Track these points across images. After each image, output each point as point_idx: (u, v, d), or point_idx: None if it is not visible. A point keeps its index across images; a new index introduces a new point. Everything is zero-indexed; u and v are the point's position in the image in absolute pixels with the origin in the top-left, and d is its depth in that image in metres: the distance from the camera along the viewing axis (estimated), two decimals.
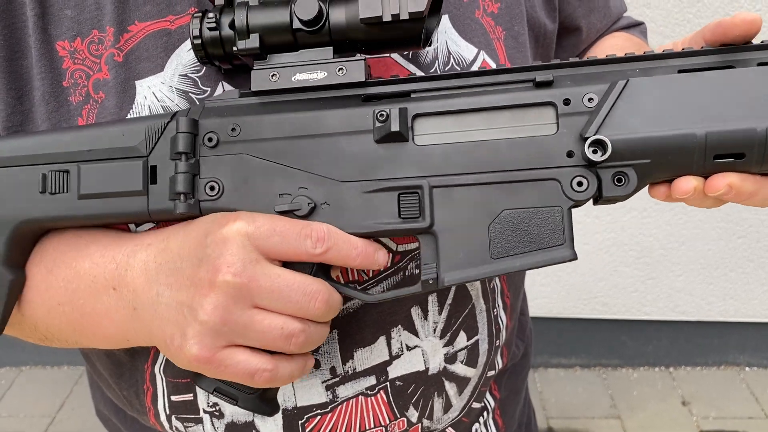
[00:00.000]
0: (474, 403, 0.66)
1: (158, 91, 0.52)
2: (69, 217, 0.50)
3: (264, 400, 0.50)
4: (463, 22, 0.58)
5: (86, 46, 0.52)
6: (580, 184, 0.44)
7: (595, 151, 0.42)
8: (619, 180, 0.44)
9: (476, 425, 0.68)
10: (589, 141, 0.42)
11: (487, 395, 0.69)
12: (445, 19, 0.57)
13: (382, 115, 0.44)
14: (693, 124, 0.42)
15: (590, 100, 0.43)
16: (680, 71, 0.43)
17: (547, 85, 0.44)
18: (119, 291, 0.48)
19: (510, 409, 0.74)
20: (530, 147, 0.44)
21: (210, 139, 0.47)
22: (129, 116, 0.51)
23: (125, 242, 0.50)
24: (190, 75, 0.52)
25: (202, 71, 0.52)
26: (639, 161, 0.43)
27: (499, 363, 0.68)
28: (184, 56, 0.51)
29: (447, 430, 0.65)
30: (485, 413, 0.69)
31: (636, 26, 0.79)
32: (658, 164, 0.43)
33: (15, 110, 0.53)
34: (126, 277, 0.48)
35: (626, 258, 1.92)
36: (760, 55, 0.43)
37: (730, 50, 0.44)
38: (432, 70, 0.56)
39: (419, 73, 0.55)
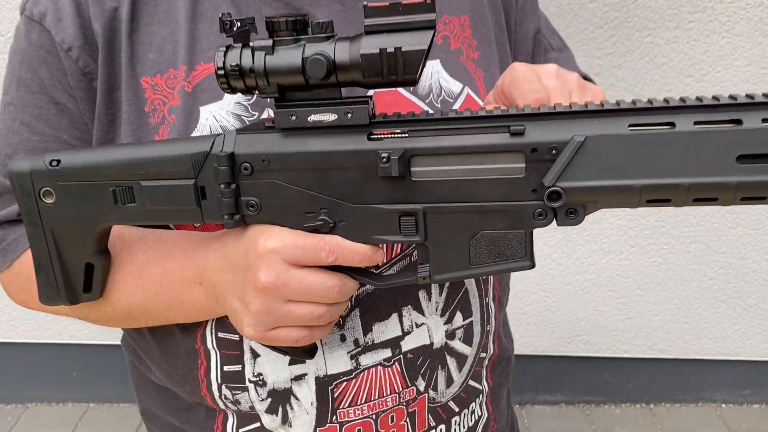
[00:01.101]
0: (471, 381, 0.78)
1: (217, 115, 0.66)
2: (140, 221, 0.63)
3: (306, 351, 0.65)
4: (451, 65, 0.72)
5: (164, 80, 0.66)
6: (540, 215, 0.55)
7: (551, 198, 0.53)
8: (571, 213, 0.55)
9: (473, 404, 0.80)
10: (547, 190, 0.53)
11: (483, 379, 0.81)
12: (437, 63, 0.71)
13: (384, 159, 0.54)
14: (634, 177, 0.52)
15: (553, 151, 0.53)
16: (630, 126, 0.52)
17: (519, 134, 0.54)
18: (203, 285, 0.63)
19: (499, 401, 0.87)
20: (503, 185, 0.55)
21: (246, 168, 0.58)
22: (194, 134, 0.64)
23: (199, 248, 0.64)
24: (243, 102, 0.66)
25: (252, 99, 0.66)
26: (588, 201, 0.54)
27: (491, 349, 0.81)
28: (234, 95, 0.65)
29: (449, 403, 0.77)
30: (481, 395, 0.81)
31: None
32: (604, 203, 0.55)
33: (108, 129, 0.67)
34: (205, 275, 0.63)
35: (606, 298, 2.05)
36: (698, 117, 0.51)
37: (672, 109, 0.52)
38: (428, 101, 0.70)
39: (417, 101, 0.69)
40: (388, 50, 0.51)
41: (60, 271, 0.63)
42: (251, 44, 0.54)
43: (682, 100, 0.52)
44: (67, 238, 0.62)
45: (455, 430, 0.78)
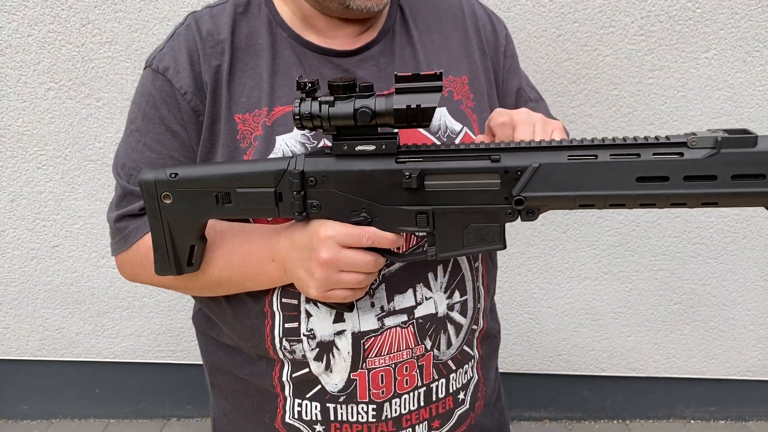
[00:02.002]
0: (465, 347, 1.02)
1: (288, 142, 0.91)
2: (233, 216, 0.87)
3: (348, 307, 0.90)
4: (454, 111, 0.98)
5: (251, 117, 0.91)
6: (509, 214, 0.80)
7: (517, 203, 0.78)
8: (530, 213, 0.79)
9: (466, 366, 1.03)
10: (513, 199, 0.78)
11: (474, 347, 1.04)
12: (444, 110, 0.97)
13: (407, 176, 0.79)
14: (571, 190, 0.77)
15: (518, 172, 0.78)
16: (569, 157, 0.77)
17: (497, 160, 0.79)
18: (275, 262, 0.87)
19: (487, 371, 1.10)
20: (485, 193, 0.80)
21: (311, 181, 0.83)
22: (271, 155, 0.89)
23: (272, 235, 0.89)
24: (307, 134, 0.91)
25: (313, 133, 0.91)
26: (541, 205, 0.79)
27: (481, 323, 1.05)
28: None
29: (448, 361, 1.00)
30: (472, 360, 1.04)
31: None
32: (551, 207, 0.79)
33: (210, 151, 0.92)
34: (276, 255, 0.87)
35: (583, 320, 2.27)
36: (613, 151, 0.76)
37: (596, 146, 0.77)
38: (437, 135, 0.95)
39: (430, 136, 0.94)
40: (411, 106, 0.76)
41: (171, 251, 0.88)
42: (319, 98, 0.79)
43: (603, 140, 0.78)
44: (178, 227, 0.87)
45: (452, 384, 1.01)
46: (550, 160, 0.77)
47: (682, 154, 0.74)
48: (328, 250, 0.81)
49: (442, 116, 0.96)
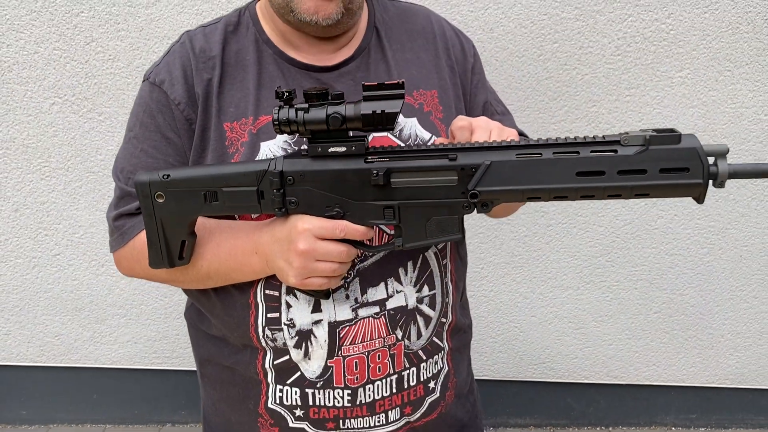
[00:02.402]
0: (434, 338, 1.10)
1: (272, 148, 1.00)
2: (220, 213, 0.96)
3: (324, 294, 0.98)
4: (424, 122, 1.07)
5: (239, 125, 1.01)
6: (466, 207, 0.89)
7: (472, 197, 0.87)
8: (484, 206, 0.89)
9: (437, 356, 1.12)
10: (469, 193, 0.87)
11: (444, 339, 1.12)
12: (414, 120, 1.06)
13: (375, 173, 0.89)
14: (519, 185, 0.86)
15: (473, 169, 0.87)
16: (517, 155, 0.87)
17: (454, 159, 0.88)
18: (258, 254, 0.96)
19: (458, 363, 1.18)
20: (444, 189, 0.89)
21: (290, 180, 0.92)
22: (256, 159, 0.98)
23: (255, 231, 0.97)
24: (288, 140, 1.00)
25: (294, 139, 1.00)
26: (494, 198, 0.88)
27: (450, 316, 1.13)
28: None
29: (419, 351, 1.08)
30: (442, 351, 1.13)
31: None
32: (503, 200, 0.88)
33: (200, 156, 1.01)
34: (259, 248, 0.96)
35: (566, 329, 2.35)
36: (555, 150, 0.86)
37: (541, 145, 0.86)
38: (407, 143, 1.04)
39: (400, 143, 1.03)
40: (377, 111, 0.85)
41: (164, 246, 0.96)
42: (295, 106, 0.88)
43: (548, 139, 0.87)
44: (170, 224, 0.95)
45: (423, 373, 1.09)
46: (500, 158, 0.87)
47: (616, 151, 0.84)
48: (305, 241, 0.91)
49: (412, 126, 1.05)
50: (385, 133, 1.03)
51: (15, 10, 2.00)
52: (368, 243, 0.99)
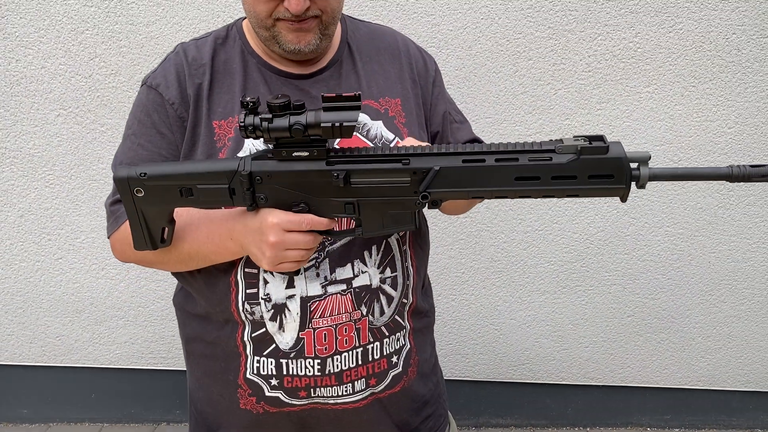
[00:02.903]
0: (396, 317, 1.22)
1: (255, 143, 1.12)
2: (195, 206, 1.07)
3: (295, 273, 1.10)
4: (388, 125, 1.19)
5: (226, 123, 1.13)
6: (417, 204, 1.01)
7: (423, 197, 0.99)
8: (434, 204, 1.01)
9: (398, 334, 1.23)
10: (420, 194, 1.00)
11: (405, 319, 1.25)
12: (380, 123, 1.18)
13: (335, 175, 1.00)
14: (465, 187, 0.98)
15: (424, 172, 0.99)
16: (463, 161, 0.98)
17: (407, 163, 1.00)
18: (233, 240, 1.08)
19: (420, 343, 1.30)
20: (399, 188, 1.01)
21: (258, 179, 1.03)
22: (240, 153, 1.10)
23: (229, 219, 1.09)
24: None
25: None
26: (442, 198, 1.00)
27: (410, 298, 1.25)
28: None
29: (382, 327, 1.20)
30: (404, 330, 1.25)
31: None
32: (450, 198, 1.01)
33: (191, 150, 1.14)
34: (233, 235, 1.08)
35: (544, 331, 2.46)
36: (497, 156, 0.97)
37: (485, 153, 0.98)
38: (374, 142, 1.16)
39: (368, 142, 1.16)
40: (335, 124, 0.95)
41: (147, 231, 1.08)
42: (260, 115, 0.98)
43: (491, 146, 0.99)
44: (150, 214, 1.07)
45: (386, 348, 1.22)
46: (448, 164, 0.99)
47: (551, 159, 0.95)
48: (275, 234, 1.03)
49: (378, 127, 1.18)
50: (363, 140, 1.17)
51: (24, 28, 2.13)
52: (333, 230, 1.11)
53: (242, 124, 0.97)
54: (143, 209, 1.06)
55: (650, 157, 0.96)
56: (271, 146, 1.02)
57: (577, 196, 0.97)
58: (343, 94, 0.95)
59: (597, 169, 0.94)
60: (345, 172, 1.00)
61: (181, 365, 2.53)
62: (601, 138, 0.96)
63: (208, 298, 1.20)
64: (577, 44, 2.10)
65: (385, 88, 1.22)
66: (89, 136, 2.25)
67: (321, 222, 1.04)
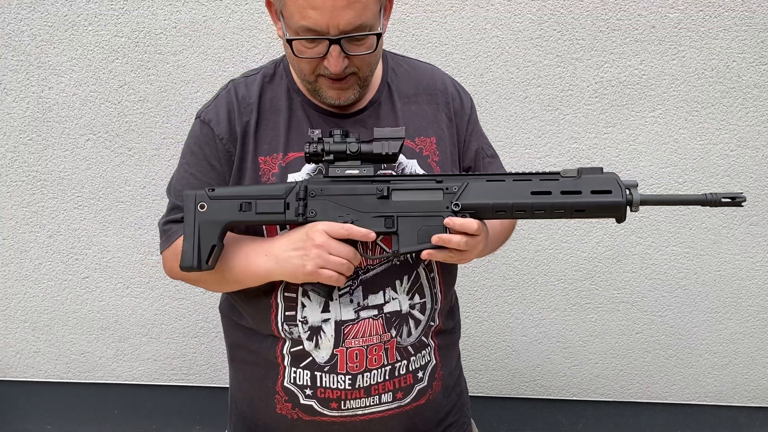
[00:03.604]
0: (422, 337, 1.30)
1: (297, 179, 1.21)
2: (250, 221, 1.18)
3: (329, 291, 1.18)
4: (421, 163, 1.28)
5: (271, 159, 1.23)
6: (448, 213, 1.13)
7: (455, 209, 1.12)
8: (464, 216, 1.13)
9: (424, 351, 1.32)
10: (452, 205, 1.12)
11: (430, 337, 1.33)
12: (414, 162, 1.27)
13: (380, 190, 1.14)
14: (490, 200, 1.12)
15: (455, 189, 1.14)
16: (487, 180, 1.15)
17: (440, 182, 1.15)
18: (268, 255, 1.17)
19: (446, 357, 1.38)
20: (433, 203, 1.14)
21: (311, 193, 1.16)
22: None
23: (270, 240, 1.19)
24: (310, 173, 1.23)
25: (315, 172, 1.22)
26: (471, 211, 1.13)
27: (437, 321, 1.33)
28: (308, 167, 1.22)
29: (408, 347, 1.28)
30: (429, 347, 1.33)
31: None
32: (478, 214, 1.13)
33: (238, 183, 1.24)
34: (271, 251, 1.17)
35: (555, 348, 2.53)
36: (515, 177, 1.14)
37: (506, 174, 1.15)
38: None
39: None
40: (383, 152, 1.13)
41: (197, 247, 1.17)
42: (323, 139, 1.14)
43: (509, 172, 1.15)
44: (205, 229, 1.17)
45: (412, 364, 1.30)
46: (475, 181, 1.15)
47: (558, 178, 1.13)
48: (321, 237, 1.13)
49: (413, 166, 1.28)
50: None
51: (57, 57, 2.25)
52: (371, 252, 1.22)
53: (308, 151, 1.15)
54: (201, 224, 1.16)
55: (638, 184, 1.14)
56: (322, 173, 1.18)
57: (583, 211, 1.12)
58: (390, 128, 1.14)
59: (597, 185, 1.12)
60: (387, 187, 1.15)
61: (201, 381, 2.61)
62: (600, 168, 1.15)
63: (252, 316, 1.30)
64: (584, 71, 2.20)
65: (421, 127, 1.31)
66: (117, 159, 2.35)
67: (360, 231, 1.13)
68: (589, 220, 2.33)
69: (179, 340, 2.59)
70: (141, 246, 2.45)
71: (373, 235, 1.15)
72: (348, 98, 1.22)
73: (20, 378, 2.67)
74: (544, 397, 2.60)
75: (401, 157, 1.27)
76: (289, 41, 1.14)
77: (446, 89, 1.37)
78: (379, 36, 1.15)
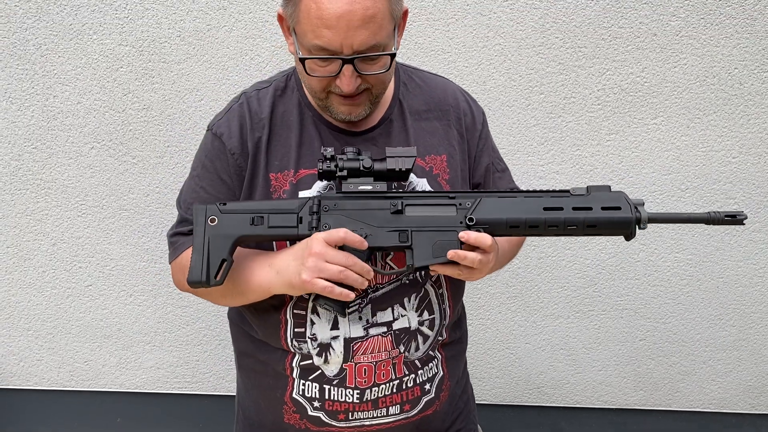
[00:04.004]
0: (430, 351, 1.30)
1: (308, 195, 1.20)
2: (261, 236, 1.16)
3: (341, 306, 1.15)
4: (431, 182, 1.28)
5: (282, 176, 1.22)
6: (462, 227, 1.13)
7: (469, 222, 1.12)
8: (478, 230, 1.12)
9: (431, 364, 1.32)
10: (467, 218, 1.12)
11: (437, 351, 1.33)
12: (424, 181, 1.27)
13: (394, 204, 1.14)
14: (503, 215, 1.13)
15: (469, 204, 1.14)
16: (498, 196, 1.15)
17: (453, 198, 1.15)
18: (271, 266, 1.16)
19: (453, 368, 1.37)
20: (446, 218, 1.14)
21: (325, 208, 1.16)
22: None
23: (273, 254, 1.18)
24: (320, 191, 1.21)
25: (326, 190, 1.21)
26: (484, 225, 1.13)
27: (444, 335, 1.33)
28: (319, 184, 1.21)
29: (416, 361, 1.28)
30: (436, 360, 1.33)
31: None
32: (492, 229, 1.13)
33: (249, 199, 1.22)
34: (274, 262, 1.16)
35: (558, 355, 2.53)
36: (527, 194, 1.15)
37: (517, 191, 1.16)
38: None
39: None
40: (396, 168, 1.13)
41: (206, 262, 1.15)
42: (337, 156, 1.14)
43: (520, 190, 1.16)
44: (215, 243, 1.15)
45: (419, 377, 1.30)
46: (488, 197, 1.16)
47: (569, 195, 1.14)
48: (318, 245, 1.10)
49: (423, 184, 1.27)
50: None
51: (62, 66, 2.26)
52: (381, 269, 1.22)
53: (321, 168, 1.14)
54: (211, 237, 1.15)
55: (644, 203, 1.17)
56: (338, 188, 1.18)
57: (595, 227, 1.13)
58: (402, 147, 1.15)
59: (606, 202, 1.14)
60: (401, 202, 1.16)
61: (204, 389, 2.61)
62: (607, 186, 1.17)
63: (263, 330, 1.29)
64: (586, 79, 2.21)
65: (432, 145, 1.30)
66: (121, 167, 2.36)
67: (356, 238, 1.11)
68: None
69: (183, 348, 2.59)
70: (144, 254, 2.46)
71: (366, 244, 1.13)
72: (359, 114, 1.20)
73: (23, 386, 2.67)
74: (547, 404, 2.60)
75: (411, 176, 1.26)
76: (302, 59, 1.13)
77: (458, 104, 1.35)
78: (393, 56, 1.14)
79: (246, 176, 1.23)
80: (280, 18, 1.18)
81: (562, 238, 2.38)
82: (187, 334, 2.56)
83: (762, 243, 2.35)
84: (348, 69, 1.10)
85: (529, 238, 2.36)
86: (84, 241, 2.46)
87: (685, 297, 2.43)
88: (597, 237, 2.36)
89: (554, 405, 2.60)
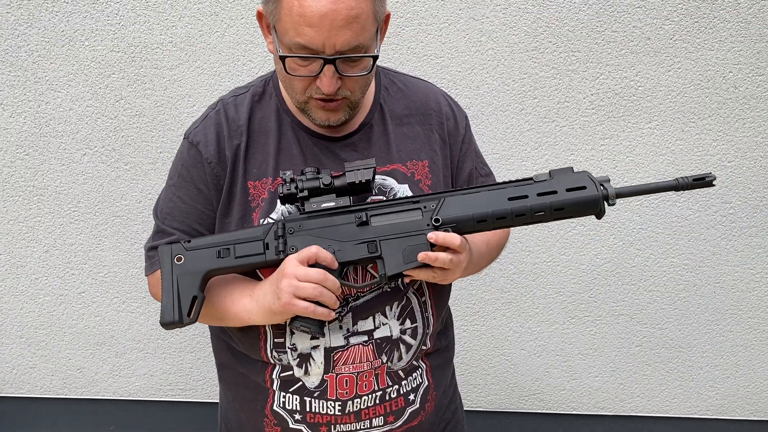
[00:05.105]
0: (414, 361, 1.27)
1: (286, 205, 1.19)
2: (229, 267, 1.15)
3: (319, 326, 1.14)
4: (413, 188, 1.25)
5: (260, 184, 1.20)
6: (429, 228, 1.12)
7: (435, 223, 1.12)
8: (446, 230, 1.11)
9: (415, 374, 1.29)
10: (432, 220, 1.12)
11: (421, 361, 1.30)
12: (406, 186, 1.24)
13: (358, 217, 1.13)
14: (469, 212, 1.12)
15: (432, 207, 1.13)
16: (463, 194, 1.14)
17: (417, 202, 1.14)
18: (251, 296, 1.15)
19: (439, 378, 1.35)
20: (414, 222, 1.13)
21: (290, 230, 1.14)
22: (273, 215, 1.18)
23: (252, 284, 1.17)
24: (297, 204, 1.20)
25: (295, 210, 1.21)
26: (451, 224, 1.12)
27: (428, 344, 1.30)
28: (281, 207, 1.20)
29: (399, 371, 1.26)
30: (420, 369, 1.30)
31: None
32: (460, 227, 1.12)
33: (227, 207, 1.21)
34: (253, 292, 1.15)
35: (554, 362, 2.51)
36: (490, 187, 1.14)
37: (480, 186, 1.16)
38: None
39: (381, 198, 1.24)
40: (356, 181, 1.12)
41: (177, 302, 1.13)
42: (296, 179, 1.14)
43: (483, 184, 1.16)
44: (184, 282, 1.14)
45: (403, 388, 1.28)
46: (452, 195, 1.16)
47: (532, 182, 1.14)
48: (291, 266, 1.09)
49: (404, 190, 1.25)
50: (380, 197, 1.25)
51: (54, 72, 2.25)
52: (361, 281, 1.21)
53: (281, 192, 1.13)
54: (179, 276, 1.14)
55: (610, 179, 1.15)
56: (302, 208, 1.17)
57: (563, 209, 1.12)
58: (360, 161, 1.15)
59: (571, 183, 1.13)
60: (365, 213, 1.15)
61: (198, 396, 2.59)
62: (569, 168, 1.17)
63: (241, 340, 1.27)
64: (580, 83, 2.20)
65: (413, 151, 1.27)
66: (113, 174, 2.35)
67: (328, 256, 1.11)
68: (587, 230, 2.33)
69: (175, 355, 2.57)
70: (137, 260, 2.44)
71: (336, 263, 1.12)
72: (338, 119, 1.18)
73: (16, 394, 2.66)
74: (543, 411, 2.58)
75: (392, 182, 1.24)
76: (282, 58, 1.10)
77: (440, 109, 1.32)
78: (375, 58, 1.12)
79: (225, 185, 1.21)
80: (260, 15, 1.16)
81: (557, 243, 2.36)
82: (180, 341, 2.55)
83: (758, 247, 2.33)
84: (329, 69, 1.08)
85: (523, 242, 2.37)
86: (77, 248, 2.45)
87: (681, 302, 2.41)
88: (592, 241, 2.35)
89: (550, 412, 2.58)
